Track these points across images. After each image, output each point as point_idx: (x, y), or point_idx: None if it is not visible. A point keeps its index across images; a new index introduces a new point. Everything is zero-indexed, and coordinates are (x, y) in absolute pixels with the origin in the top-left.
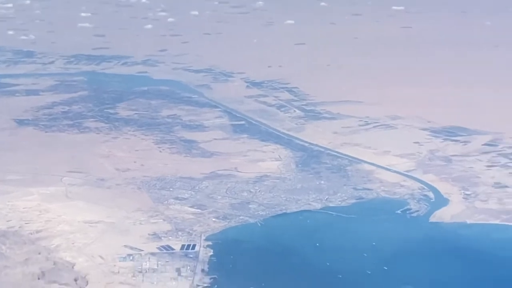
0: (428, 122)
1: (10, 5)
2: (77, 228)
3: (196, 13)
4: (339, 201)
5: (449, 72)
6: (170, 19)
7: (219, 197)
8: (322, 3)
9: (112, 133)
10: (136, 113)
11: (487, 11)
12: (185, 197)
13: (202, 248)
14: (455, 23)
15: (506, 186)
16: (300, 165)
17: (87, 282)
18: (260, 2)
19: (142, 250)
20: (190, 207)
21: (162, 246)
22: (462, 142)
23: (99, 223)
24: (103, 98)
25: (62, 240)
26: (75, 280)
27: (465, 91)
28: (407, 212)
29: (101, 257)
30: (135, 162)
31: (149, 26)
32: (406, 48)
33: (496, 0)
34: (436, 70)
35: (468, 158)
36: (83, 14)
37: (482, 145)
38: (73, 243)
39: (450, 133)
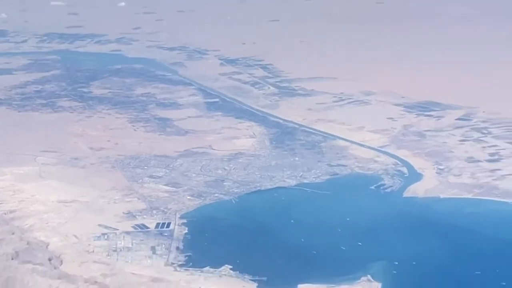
0: (402, 97)
1: None
2: (51, 208)
3: None
4: (314, 177)
5: (423, 47)
6: None
7: (193, 175)
8: None
9: (86, 112)
10: (110, 92)
11: None
12: (160, 175)
13: (177, 226)
14: None
15: (479, 161)
16: (274, 142)
17: (61, 261)
18: None
19: (117, 229)
20: (165, 185)
21: (137, 225)
22: (435, 117)
23: (73, 203)
24: (77, 77)
25: (36, 220)
26: (49, 260)
27: (439, 66)
28: (381, 187)
29: (75, 236)
30: (109, 141)
31: (123, 4)
32: (380, 23)
33: None
34: (409, 46)
35: (442, 133)
36: None
37: (456, 119)
38: (47, 223)
39: (423, 108)
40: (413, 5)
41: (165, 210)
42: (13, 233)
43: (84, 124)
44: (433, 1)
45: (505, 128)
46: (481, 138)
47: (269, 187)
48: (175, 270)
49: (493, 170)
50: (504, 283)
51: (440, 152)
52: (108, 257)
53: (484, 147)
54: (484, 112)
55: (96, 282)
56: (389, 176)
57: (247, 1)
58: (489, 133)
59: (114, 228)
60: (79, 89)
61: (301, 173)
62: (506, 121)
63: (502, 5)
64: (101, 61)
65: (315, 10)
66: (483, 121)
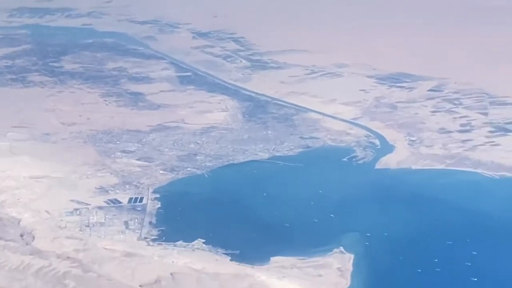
0: (374, 69)
1: None
2: (23, 184)
3: None
4: (286, 150)
5: (395, 17)
6: None
7: (166, 149)
8: None
9: (57, 87)
10: (81, 66)
11: None
12: (132, 150)
13: (149, 201)
14: None
15: (450, 131)
16: (247, 116)
17: (33, 237)
18: None
19: (89, 204)
20: (137, 160)
21: (109, 200)
22: (407, 88)
23: (45, 178)
24: (47, 52)
25: (7, 196)
26: (21, 235)
27: (411, 37)
28: (354, 159)
29: (47, 212)
30: (81, 116)
31: None
32: None
33: None
34: (382, 16)
35: (414, 104)
36: None
37: (427, 91)
38: (18, 199)
39: (395, 79)
40: None
41: (138, 184)
42: None
43: (55, 99)
44: None
45: (476, 98)
46: (453, 109)
47: (242, 160)
48: (148, 244)
49: (464, 141)
50: (475, 253)
51: (412, 124)
52: (81, 232)
53: (455, 118)
54: (455, 83)
55: (68, 257)
56: (361, 148)
57: None
58: (461, 104)
59: (86, 203)
60: (50, 64)
61: (274, 146)
62: (477, 91)
63: None
64: (71, 36)
65: None
66: (455, 92)
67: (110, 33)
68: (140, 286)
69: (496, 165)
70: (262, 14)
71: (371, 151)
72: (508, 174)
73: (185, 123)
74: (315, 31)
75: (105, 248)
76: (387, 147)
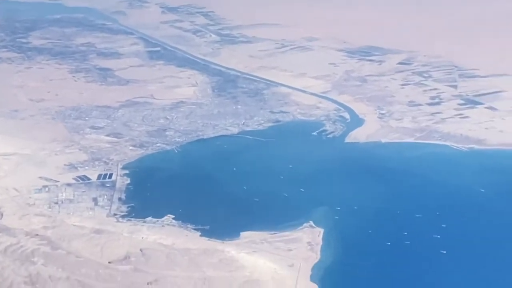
0: (344, 42)
1: None
2: None
3: None
4: (256, 125)
5: None
6: None
7: (135, 125)
8: None
9: (25, 63)
10: (49, 42)
11: None
12: (101, 126)
13: (119, 177)
14: None
15: (420, 104)
16: (216, 90)
17: (1, 215)
18: None
19: (58, 181)
20: (106, 136)
21: (78, 177)
22: (377, 61)
23: (14, 155)
24: (15, 27)
25: None
26: None
27: (381, 10)
28: (323, 133)
29: (15, 189)
30: (49, 92)
31: None
32: None
33: None
34: None
35: (383, 77)
36: None
37: (397, 64)
38: None
39: (365, 53)
40: None
41: (107, 161)
42: None
43: (23, 75)
44: None
45: (446, 71)
46: (422, 82)
47: (212, 135)
48: (117, 221)
49: (433, 114)
50: (444, 225)
51: (382, 97)
52: (49, 209)
53: (425, 90)
54: (425, 56)
55: (37, 235)
56: (331, 122)
57: None
58: (430, 76)
59: (55, 180)
60: (18, 39)
61: (244, 121)
62: (446, 64)
63: None
64: (40, 11)
65: None
66: (424, 65)
67: (79, 8)
68: (109, 262)
69: (465, 138)
70: None
71: (341, 125)
72: (476, 147)
73: (154, 98)
74: (286, 5)
75: (74, 225)
76: (356, 121)
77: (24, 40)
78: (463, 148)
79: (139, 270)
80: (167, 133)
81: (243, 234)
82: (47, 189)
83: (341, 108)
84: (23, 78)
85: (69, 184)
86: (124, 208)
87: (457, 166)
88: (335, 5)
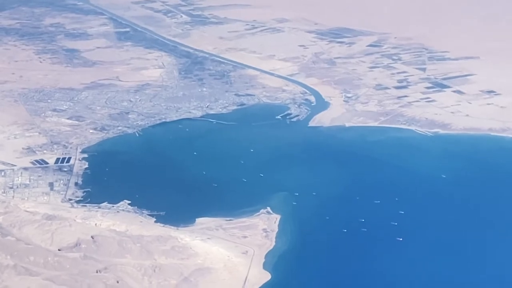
0: (315, 24)
1: None
2: None
3: None
4: (220, 108)
5: None
6: None
7: (98, 107)
8: None
9: None
10: (18, 22)
11: None
12: (63, 108)
13: (77, 161)
14: None
15: (387, 88)
16: (183, 72)
17: None
18: None
19: (15, 165)
20: (68, 119)
21: (36, 160)
22: (347, 43)
23: None
24: None
25: None
26: None
27: None
28: (287, 117)
29: None
30: (13, 73)
31: None
32: None
33: None
34: None
35: (352, 60)
36: None
37: (367, 46)
38: None
39: (336, 35)
40: None
41: (67, 144)
42: None
43: None
44: None
45: (415, 54)
46: (391, 65)
47: (175, 118)
48: (72, 206)
49: (400, 97)
50: (402, 212)
51: (349, 80)
52: (4, 194)
53: (393, 73)
54: (396, 38)
55: None
56: (296, 105)
57: None
58: (399, 59)
59: (12, 164)
60: None
61: (208, 104)
62: (416, 46)
63: None
64: None
65: None
66: (394, 47)
67: None
68: (58, 249)
69: (430, 122)
70: None
71: (306, 108)
72: (441, 131)
73: (119, 80)
74: None
75: (27, 211)
76: (322, 104)
77: None
78: (427, 132)
79: (89, 258)
80: (129, 116)
81: (199, 220)
82: (3, 173)
83: (308, 91)
84: None
85: (25, 168)
86: (80, 193)
87: (420, 151)
88: None
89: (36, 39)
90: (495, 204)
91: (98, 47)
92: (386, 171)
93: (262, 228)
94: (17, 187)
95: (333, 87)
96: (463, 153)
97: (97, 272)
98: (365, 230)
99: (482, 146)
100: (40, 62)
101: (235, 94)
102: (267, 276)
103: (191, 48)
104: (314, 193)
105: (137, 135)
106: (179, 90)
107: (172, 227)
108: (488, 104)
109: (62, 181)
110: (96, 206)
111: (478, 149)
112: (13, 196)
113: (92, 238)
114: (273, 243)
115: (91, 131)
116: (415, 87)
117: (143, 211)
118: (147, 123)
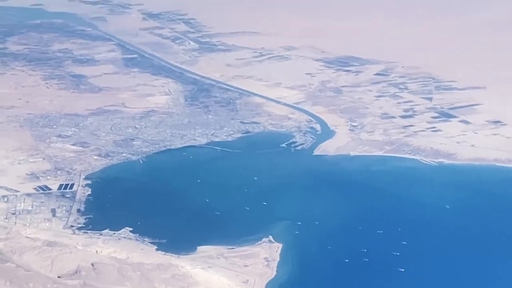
0: (323, 52)
1: None
2: None
3: None
4: (225, 135)
5: (347, 1)
6: None
7: (103, 134)
8: None
9: None
10: (26, 48)
11: None
12: (68, 134)
13: (80, 187)
14: None
15: (393, 117)
16: (189, 99)
17: None
18: None
19: (18, 191)
20: (72, 145)
21: (39, 186)
22: (354, 72)
23: None
24: None
25: None
26: None
27: (362, 20)
28: (292, 145)
29: None
30: (20, 99)
31: None
32: None
33: None
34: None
35: (359, 88)
36: None
37: (374, 75)
38: None
39: (343, 63)
40: None
41: (70, 170)
42: None
43: None
44: None
45: (422, 83)
46: (398, 94)
47: (179, 146)
48: (73, 233)
49: (406, 127)
50: (405, 243)
51: (355, 108)
52: (6, 220)
53: (399, 102)
54: (403, 67)
55: None
56: (301, 134)
57: None
58: (406, 88)
59: (15, 190)
60: None
61: (213, 131)
62: (423, 76)
63: None
64: (21, 16)
65: None
66: (401, 76)
67: (59, 13)
68: (58, 277)
69: (435, 152)
70: None
71: (311, 137)
72: (445, 161)
73: (125, 106)
74: (267, 13)
75: (28, 237)
76: (327, 133)
77: (0, 46)
78: (432, 162)
79: (88, 285)
80: (134, 142)
81: (200, 248)
82: (6, 199)
83: (313, 120)
84: None
85: (28, 194)
86: (81, 220)
87: (424, 181)
88: (316, 14)
89: (43, 65)
90: (500, 235)
91: (105, 73)
92: (390, 201)
93: (264, 257)
94: (20, 213)
95: (339, 116)
96: (467, 183)
97: None
98: (367, 260)
99: (487, 176)
100: (47, 87)
101: (241, 122)
102: None
103: (198, 75)
104: (316, 222)
105: (141, 162)
106: (185, 117)
107: (174, 255)
108: (494, 134)
109: (64, 208)
110: (98, 233)
111: (483, 180)
112: (15, 222)
113: (92, 265)
114: (274, 272)
115: (95, 157)
116: (421, 117)
117: (145, 239)
118: (152, 150)
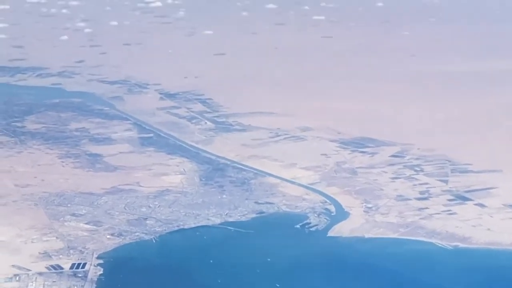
0: (338, 133)
1: None
2: None
3: (116, 23)
4: (239, 215)
5: (364, 82)
6: (88, 30)
7: (116, 213)
8: (244, 13)
9: (17, 147)
10: (43, 127)
11: (407, 21)
12: (82, 213)
13: (92, 267)
14: (374, 32)
15: (408, 199)
16: (203, 179)
17: None
18: (181, 13)
19: (30, 270)
20: (86, 223)
21: (51, 266)
22: (369, 153)
23: None
24: (12, 111)
25: None
26: None
27: (378, 102)
28: (306, 226)
29: None
30: (35, 177)
31: (65, 37)
32: (324, 58)
33: (419, 10)
34: (351, 80)
35: (374, 170)
36: (0, 25)
37: (389, 156)
38: None
39: (358, 144)
40: (360, 39)
41: (83, 249)
42: None
43: (13, 160)
44: (380, 36)
45: (438, 165)
46: (413, 176)
47: (193, 225)
48: None
49: (421, 209)
50: None
51: (370, 190)
52: None
53: (415, 185)
54: (419, 149)
55: None
56: (315, 215)
57: (194, 34)
58: (422, 170)
59: (27, 269)
60: (12, 123)
61: (227, 211)
62: (439, 158)
63: (446, 43)
64: (40, 95)
65: (262, 43)
66: (417, 158)
67: (78, 93)
68: None
69: (450, 235)
70: (232, 75)
71: (325, 218)
72: (461, 245)
73: (140, 186)
74: (284, 93)
75: None
76: (342, 214)
77: (19, 124)
78: (447, 246)
79: None
80: (147, 222)
81: None
82: (17, 278)
83: (328, 201)
84: (12, 163)
85: (40, 273)
86: None
87: (439, 265)
88: (333, 96)
89: (60, 143)
90: None
91: (120, 152)
92: (404, 284)
93: None
94: None
95: (354, 197)
96: (482, 267)
97: None
98: None
99: (503, 261)
100: (63, 166)
101: (255, 202)
102: None
103: (213, 155)
104: None
105: (154, 241)
106: (199, 197)
107: None
108: (511, 218)
109: (75, 287)
110: None
111: (499, 264)
112: None
113: None
114: None
115: (108, 236)
116: (437, 199)
117: None
118: (165, 230)
